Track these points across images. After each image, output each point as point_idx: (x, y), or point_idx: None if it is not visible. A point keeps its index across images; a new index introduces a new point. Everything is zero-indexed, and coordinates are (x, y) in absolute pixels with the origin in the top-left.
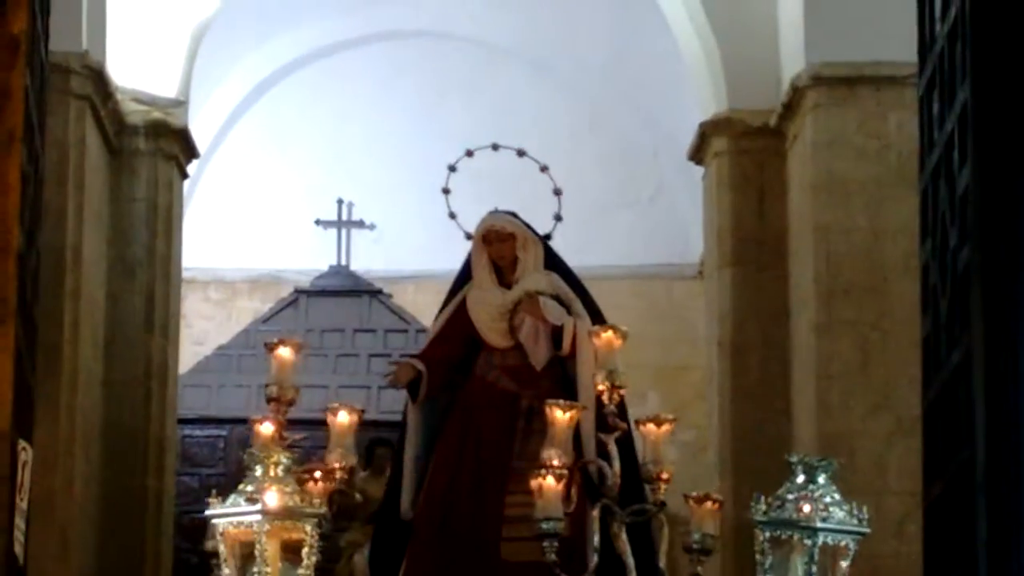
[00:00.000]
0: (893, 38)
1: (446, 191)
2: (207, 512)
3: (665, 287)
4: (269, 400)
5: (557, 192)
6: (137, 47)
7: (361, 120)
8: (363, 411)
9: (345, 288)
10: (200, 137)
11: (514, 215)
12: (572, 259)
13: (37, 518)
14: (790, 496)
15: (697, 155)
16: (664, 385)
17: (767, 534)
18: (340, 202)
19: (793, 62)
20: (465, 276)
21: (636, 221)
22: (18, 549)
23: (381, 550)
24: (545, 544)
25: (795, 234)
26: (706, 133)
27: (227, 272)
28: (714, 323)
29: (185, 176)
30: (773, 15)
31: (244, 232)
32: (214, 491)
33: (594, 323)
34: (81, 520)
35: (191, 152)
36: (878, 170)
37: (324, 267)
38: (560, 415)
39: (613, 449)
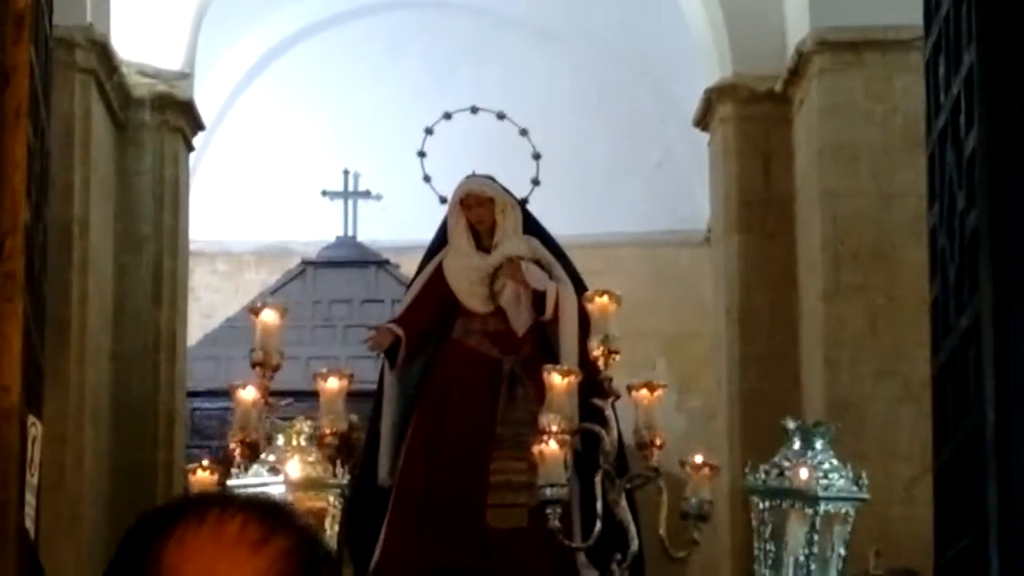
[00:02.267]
0: (898, 2)
1: (422, 154)
2: (230, 483)
3: (672, 254)
4: (254, 365)
5: (536, 156)
6: (141, 20)
7: (367, 90)
8: (352, 376)
9: (352, 259)
10: (206, 109)
11: (492, 179)
12: (580, 227)
13: (47, 493)
14: (787, 463)
15: (703, 121)
16: (672, 352)
17: (766, 503)
18: (346, 173)
19: (798, 27)
20: (440, 241)
21: (643, 188)
22: (29, 524)
23: (356, 518)
24: (548, 510)
25: (802, 199)
26: (712, 99)
27: (234, 244)
28: (722, 290)
29: (191, 148)
30: None
31: (250, 204)
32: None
33: (575, 288)
34: (91, 494)
35: (197, 124)
36: (884, 134)
37: (331, 238)
38: (558, 380)
39: (611, 415)
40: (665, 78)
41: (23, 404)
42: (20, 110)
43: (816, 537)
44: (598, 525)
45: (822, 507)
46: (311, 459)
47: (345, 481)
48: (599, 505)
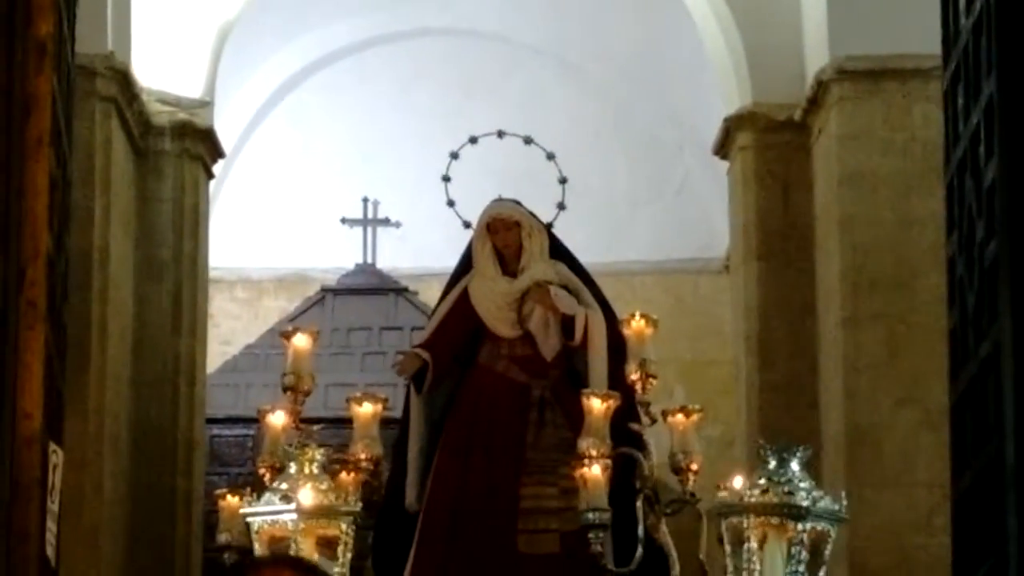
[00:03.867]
0: (917, 31)
1: (446, 179)
2: (242, 511)
3: (691, 282)
4: (285, 390)
5: (562, 180)
6: (162, 48)
7: (386, 118)
8: (386, 400)
9: (371, 286)
10: (225, 137)
11: (518, 203)
12: (599, 255)
13: (67, 519)
14: (760, 481)
15: (722, 150)
16: (691, 380)
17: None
18: (365, 200)
19: (817, 56)
20: (465, 266)
21: (662, 216)
22: (50, 552)
23: (384, 545)
24: (591, 535)
25: (821, 228)
26: (731, 128)
27: (253, 271)
28: (740, 317)
29: (211, 176)
30: (797, 8)
31: (270, 231)
32: (248, 489)
33: (603, 312)
34: (111, 521)
35: (217, 152)
36: (903, 163)
37: (350, 265)
38: (597, 404)
39: (649, 440)
40: (684, 106)
41: (44, 432)
42: (42, 139)
43: (804, 555)
44: (639, 550)
45: (809, 524)
46: (323, 487)
47: (357, 508)
48: (640, 529)
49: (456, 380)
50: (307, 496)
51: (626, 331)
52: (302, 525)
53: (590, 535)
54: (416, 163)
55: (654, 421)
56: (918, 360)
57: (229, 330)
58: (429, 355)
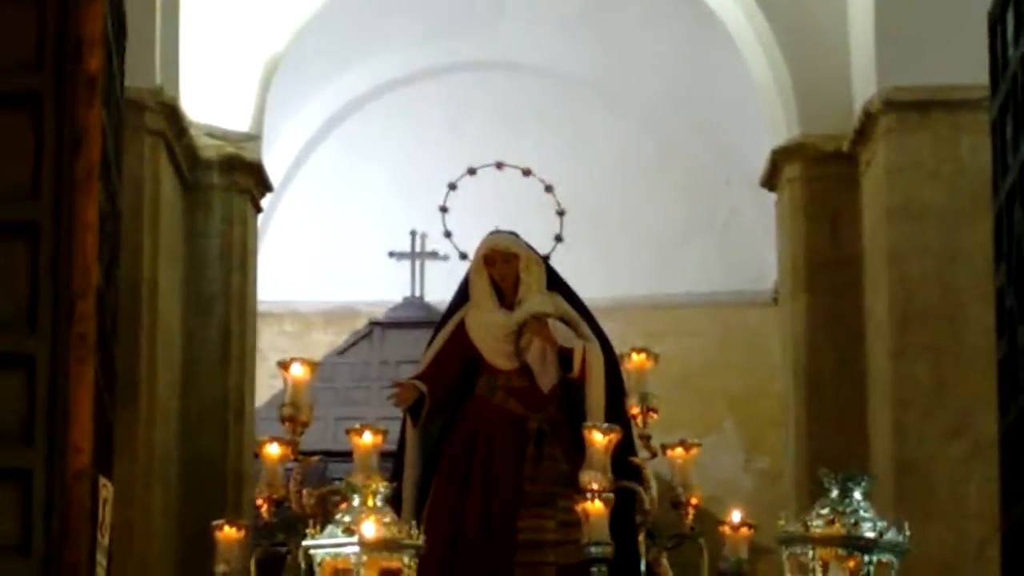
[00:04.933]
0: (965, 61)
1: (444, 209)
2: (304, 543)
3: (740, 314)
4: (283, 420)
5: (560, 212)
6: (210, 82)
7: (434, 151)
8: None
9: (419, 319)
10: (273, 171)
11: (515, 235)
12: (647, 288)
13: (116, 552)
14: (823, 511)
15: (770, 182)
16: (740, 413)
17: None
18: (413, 233)
19: (865, 87)
20: (461, 298)
21: (710, 249)
22: None
23: None
24: (593, 569)
25: (869, 259)
26: (778, 159)
27: (301, 305)
28: (789, 350)
29: (259, 210)
30: (844, 40)
31: (318, 265)
32: (311, 521)
33: (601, 345)
34: (160, 555)
35: (265, 186)
36: (952, 194)
37: (398, 298)
38: (599, 438)
39: (649, 473)
40: (731, 139)
41: (94, 466)
42: (92, 173)
43: None
44: None
45: (875, 555)
46: (387, 519)
47: (421, 541)
48: (642, 564)
49: (452, 412)
50: (370, 529)
51: (627, 366)
52: (365, 558)
53: (592, 569)
54: (464, 197)
55: (654, 455)
56: (967, 392)
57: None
58: (426, 386)
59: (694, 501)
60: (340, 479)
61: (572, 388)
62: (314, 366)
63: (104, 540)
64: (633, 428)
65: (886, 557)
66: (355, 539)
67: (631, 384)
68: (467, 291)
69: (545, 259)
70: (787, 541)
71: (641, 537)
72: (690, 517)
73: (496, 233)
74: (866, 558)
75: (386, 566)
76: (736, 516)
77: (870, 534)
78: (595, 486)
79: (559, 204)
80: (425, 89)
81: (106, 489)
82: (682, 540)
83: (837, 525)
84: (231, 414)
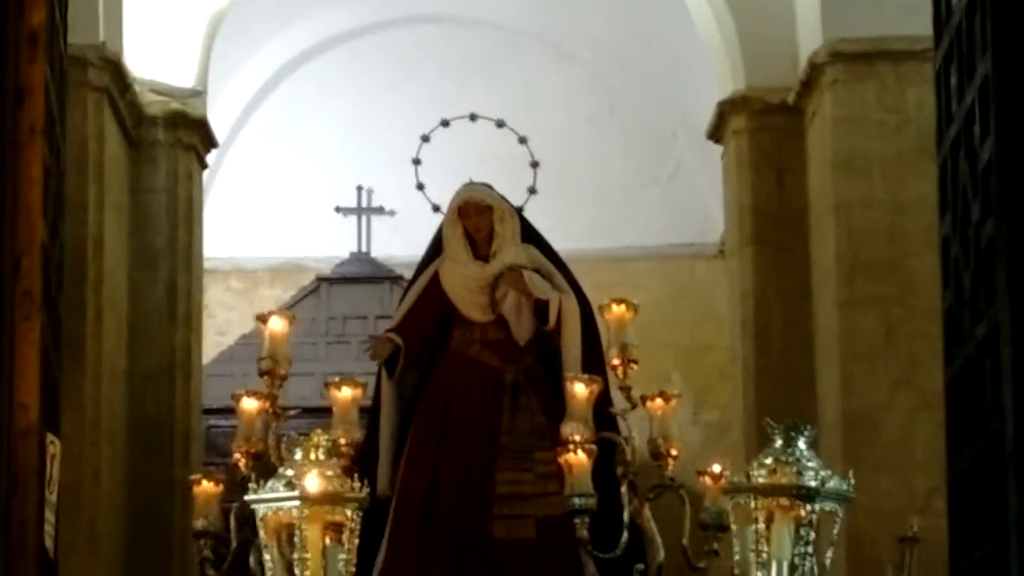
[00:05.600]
0: (910, 12)
1: (416, 161)
2: (247, 498)
3: (687, 267)
4: (262, 374)
5: (534, 164)
6: (154, 37)
7: (380, 106)
8: (365, 384)
9: (366, 275)
10: (219, 127)
11: (489, 187)
12: (594, 241)
13: (64, 511)
14: (767, 461)
15: (716, 134)
16: (687, 365)
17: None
18: (360, 189)
19: (810, 39)
20: (435, 250)
21: (656, 202)
22: (48, 543)
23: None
24: (576, 521)
25: (815, 211)
26: (724, 112)
27: (248, 261)
28: (736, 302)
29: (204, 166)
30: None
31: (264, 221)
32: (253, 476)
33: (577, 297)
34: (108, 512)
35: (210, 142)
36: (898, 145)
37: (345, 254)
38: (580, 389)
39: (630, 424)
40: (677, 91)
41: (41, 423)
42: (36, 128)
43: (812, 535)
44: (625, 535)
45: (818, 505)
46: (329, 473)
47: (364, 495)
48: (625, 515)
49: (426, 365)
50: (313, 483)
51: (607, 316)
52: (307, 512)
53: (576, 520)
54: (410, 151)
55: (634, 406)
56: (914, 343)
57: (224, 320)
58: (401, 339)
59: (674, 452)
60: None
61: (548, 340)
62: (292, 319)
63: (52, 497)
64: (611, 379)
65: (830, 506)
66: (297, 493)
67: (611, 335)
68: (440, 244)
69: (519, 211)
70: (732, 491)
71: (624, 488)
72: (670, 468)
73: (470, 185)
74: (809, 507)
75: (329, 519)
76: (716, 467)
77: (813, 483)
78: (577, 437)
79: (532, 155)
80: (370, 43)
81: (54, 446)
82: (663, 491)
83: (779, 474)
84: (178, 371)
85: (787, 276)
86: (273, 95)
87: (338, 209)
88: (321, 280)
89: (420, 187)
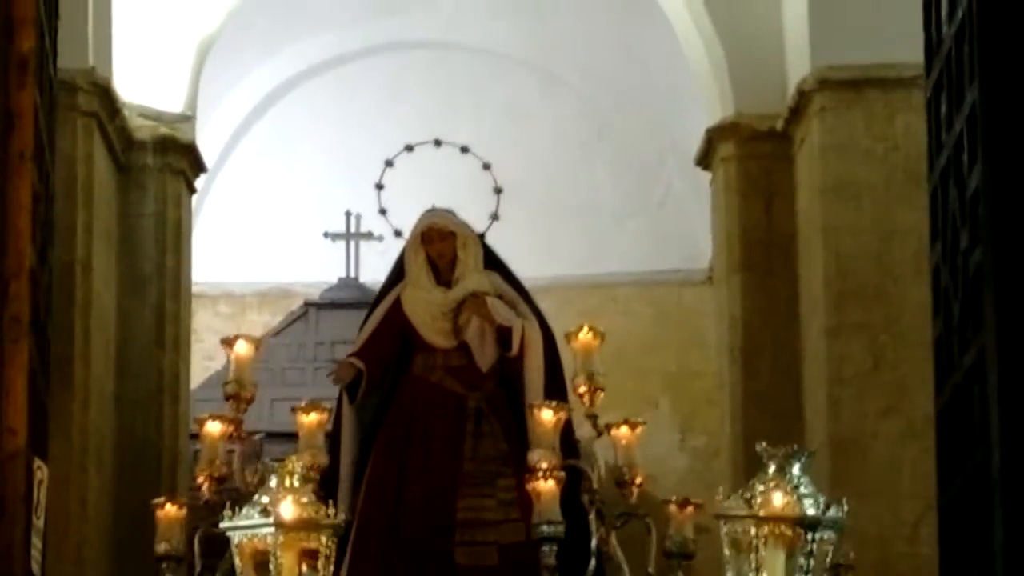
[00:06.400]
0: (899, 40)
1: (379, 187)
2: (222, 525)
3: (675, 293)
4: (228, 398)
5: (498, 191)
6: (143, 62)
7: (368, 132)
8: (331, 410)
9: (355, 300)
10: (207, 151)
11: (452, 212)
12: (581, 266)
13: (51, 535)
14: (760, 487)
15: (704, 160)
16: (675, 391)
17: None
18: (348, 214)
19: (799, 66)
20: (397, 275)
21: (645, 227)
22: (35, 568)
23: None
24: (544, 548)
25: (804, 238)
26: (713, 138)
27: (236, 286)
28: (724, 328)
29: (193, 191)
30: (778, 19)
31: (253, 246)
32: (228, 503)
33: (539, 323)
34: (95, 537)
35: (199, 167)
36: (886, 172)
37: (333, 279)
38: (547, 416)
39: (597, 451)
40: (666, 117)
41: (29, 448)
42: (25, 154)
43: (812, 564)
44: (592, 562)
45: (817, 533)
46: (304, 500)
47: (339, 521)
48: (593, 543)
49: (387, 391)
50: (288, 509)
51: (573, 344)
52: (282, 539)
53: (544, 548)
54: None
55: (600, 433)
56: (902, 370)
57: (212, 345)
58: (363, 364)
59: (638, 480)
60: (278, 460)
61: (510, 366)
62: (258, 343)
63: (39, 522)
64: (576, 406)
65: (827, 534)
66: (272, 520)
67: (577, 362)
68: (402, 269)
69: (481, 237)
70: (726, 518)
71: (592, 516)
72: (635, 496)
73: (433, 211)
74: (810, 535)
75: (304, 546)
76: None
77: (812, 511)
78: (545, 464)
79: (496, 182)
80: (359, 69)
81: (41, 471)
82: (629, 518)
83: (783, 503)
84: (166, 395)
85: (775, 302)
86: (262, 120)
87: (326, 235)
88: (309, 305)
89: (382, 212)
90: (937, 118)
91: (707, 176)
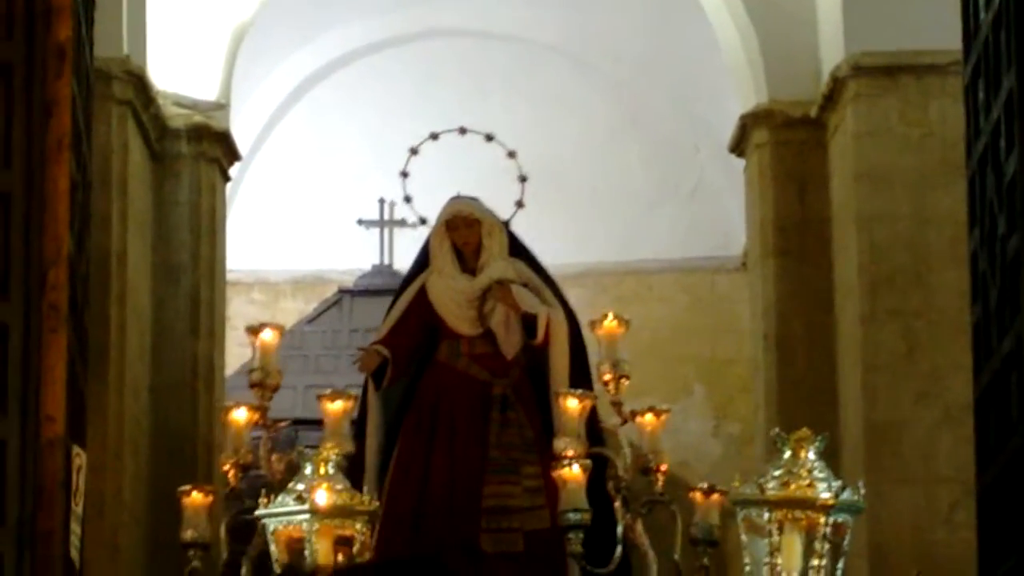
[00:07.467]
0: (933, 26)
1: (404, 174)
2: (257, 512)
3: (709, 280)
4: (252, 385)
5: (523, 179)
6: (177, 51)
7: (403, 119)
8: (356, 397)
9: (388, 287)
10: (242, 139)
11: (477, 200)
12: (616, 254)
13: (88, 523)
14: (776, 472)
15: (738, 147)
16: (710, 378)
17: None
18: (382, 201)
19: (833, 52)
20: (421, 263)
21: (678, 215)
22: (74, 554)
23: None
24: (570, 536)
25: (838, 224)
26: (747, 125)
27: (270, 273)
28: (758, 315)
29: (227, 179)
30: (812, 5)
31: (287, 233)
32: (263, 491)
33: (564, 311)
34: (131, 524)
35: (233, 155)
36: (920, 159)
37: (367, 266)
38: (573, 404)
39: (622, 439)
40: (700, 105)
41: (68, 435)
42: (63, 142)
43: (827, 547)
44: (618, 550)
45: (832, 517)
46: (339, 487)
47: (373, 508)
48: (619, 530)
49: (412, 378)
50: (323, 497)
51: (598, 331)
52: (317, 526)
53: (569, 536)
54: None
55: (626, 421)
56: (936, 356)
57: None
58: (389, 351)
59: (663, 467)
60: (312, 447)
61: (535, 354)
62: (282, 330)
63: (78, 508)
64: (600, 393)
65: (843, 518)
66: (307, 507)
67: (603, 350)
68: (427, 256)
69: (506, 224)
70: (741, 503)
71: (617, 503)
72: (660, 483)
73: (458, 198)
74: (823, 519)
75: (339, 533)
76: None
77: (825, 495)
78: (571, 452)
79: (521, 169)
80: (393, 56)
81: (79, 458)
82: (654, 505)
83: (792, 487)
84: (201, 383)
85: (809, 289)
86: (296, 108)
87: (360, 222)
88: (343, 292)
89: (408, 199)
90: (975, 105)
91: (741, 163)
